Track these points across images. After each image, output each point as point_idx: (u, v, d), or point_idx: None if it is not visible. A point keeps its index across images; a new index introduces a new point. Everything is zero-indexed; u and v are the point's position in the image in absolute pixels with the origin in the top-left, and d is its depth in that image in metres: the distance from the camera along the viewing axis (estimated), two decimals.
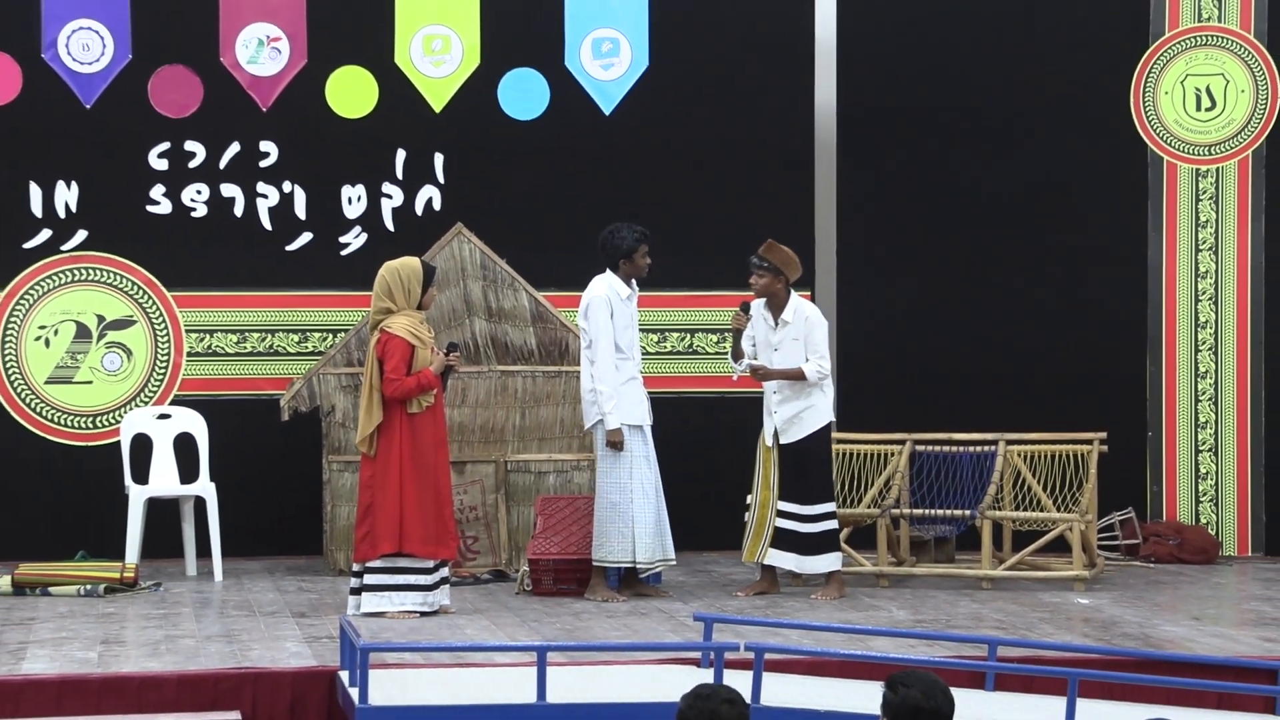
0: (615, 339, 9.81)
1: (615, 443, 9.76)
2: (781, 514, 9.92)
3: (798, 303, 10.05)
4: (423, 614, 9.24)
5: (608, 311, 9.81)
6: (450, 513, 9.41)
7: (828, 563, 9.93)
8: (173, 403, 11.19)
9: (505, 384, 10.95)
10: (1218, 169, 11.78)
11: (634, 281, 9.95)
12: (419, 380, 9.18)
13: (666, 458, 10.09)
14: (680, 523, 10.30)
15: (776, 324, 9.99)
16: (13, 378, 11.19)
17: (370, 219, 11.46)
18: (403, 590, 9.26)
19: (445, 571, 9.43)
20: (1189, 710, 7.70)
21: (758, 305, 10.01)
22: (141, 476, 10.78)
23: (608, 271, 9.91)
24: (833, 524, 9.97)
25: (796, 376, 9.90)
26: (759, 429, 10.21)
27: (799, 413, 9.91)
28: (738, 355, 10.07)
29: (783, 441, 9.94)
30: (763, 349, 10.02)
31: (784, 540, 9.93)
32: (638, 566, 9.84)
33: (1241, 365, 11.72)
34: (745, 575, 10.54)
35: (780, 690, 7.53)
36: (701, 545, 11.39)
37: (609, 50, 11.66)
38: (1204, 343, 11.76)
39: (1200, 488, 11.77)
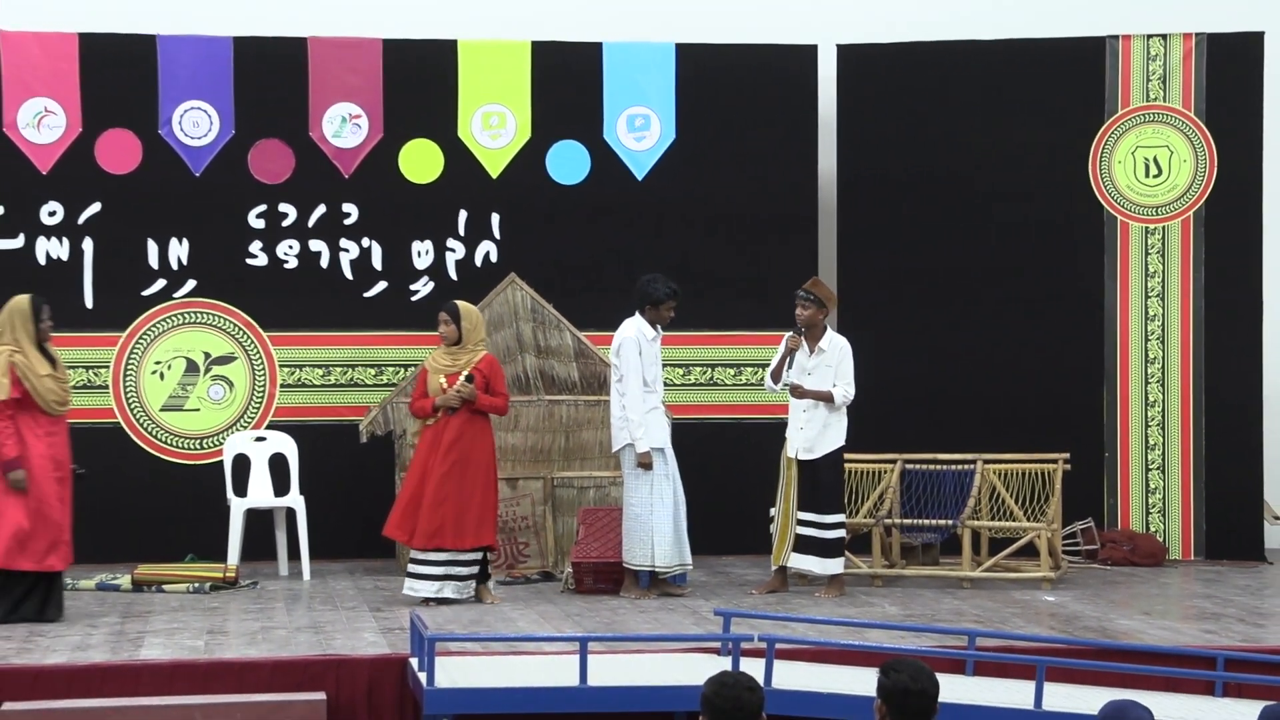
0: (643, 374, 9.79)
1: (645, 464, 9.74)
2: (801, 522, 9.86)
3: (833, 335, 9.96)
4: (426, 598, 9.39)
5: (637, 350, 9.76)
6: (435, 509, 9.35)
7: (834, 566, 9.90)
8: (268, 427, 11.24)
9: (552, 411, 10.97)
10: (1164, 227, 11.76)
11: (658, 324, 9.92)
12: (420, 405, 9.59)
13: (688, 474, 10.05)
14: (701, 530, 10.29)
15: (812, 351, 9.87)
16: (132, 406, 11.26)
17: (436, 270, 11.50)
18: (410, 577, 9.53)
19: (456, 569, 9.41)
20: (1145, 693, 7.68)
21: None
22: (241, 490, 10.82)
23: (636, 315, 9.89)
24: (842, 532, 9.92)
25: (826, 399, 9.80)
26: (770, 450, 10.19)
27: (821, 434, 9.82)
28: (779, 375, 9.89)
29: (804, 458, 9.84)
30: (796, 372, 9.86)
31: (804, 545, 9.86)
32: (656, 570, 9.83)
33: (1185, 395, 11.68)
34: (758, 576, 10.52)
35: (789, 675, 7.53)
36: (721, 550, 11.35)
37: (641, 125, 11.70)
38: (1153, 376, 11.73)
39: (1150, 501, 11.73)
